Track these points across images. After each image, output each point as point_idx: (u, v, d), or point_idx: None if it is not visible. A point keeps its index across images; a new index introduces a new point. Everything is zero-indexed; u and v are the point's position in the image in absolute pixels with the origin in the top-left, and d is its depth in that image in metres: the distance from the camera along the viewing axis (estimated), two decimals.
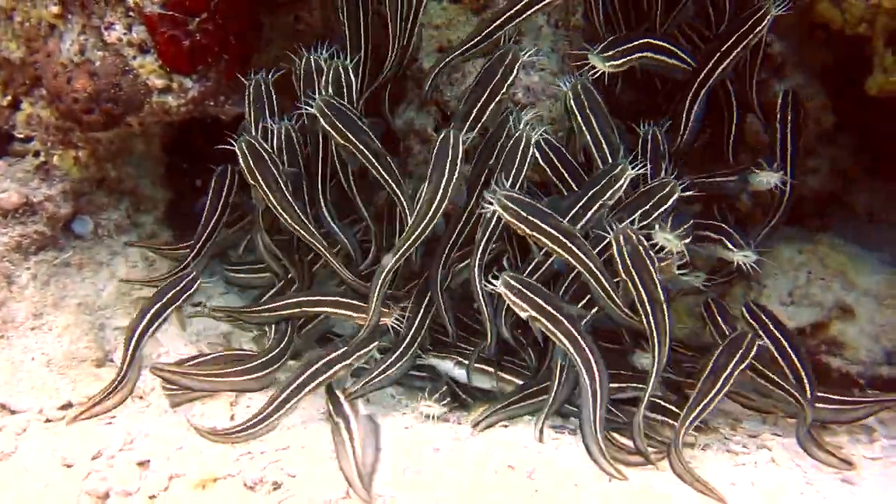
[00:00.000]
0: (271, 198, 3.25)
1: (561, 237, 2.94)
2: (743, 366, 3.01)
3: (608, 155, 3.15)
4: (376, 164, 3.23)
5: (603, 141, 3.18)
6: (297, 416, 3.09)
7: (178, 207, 4.25)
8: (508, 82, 3.10)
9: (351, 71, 3.33)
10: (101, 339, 3.57)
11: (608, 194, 3.06)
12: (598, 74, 3.12)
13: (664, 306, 2.92)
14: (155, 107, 3.31)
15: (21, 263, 3.51)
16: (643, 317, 2.92)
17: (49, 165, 3.62)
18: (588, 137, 3.17)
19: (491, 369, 3.32)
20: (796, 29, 4.09)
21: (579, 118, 3.11)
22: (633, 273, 2.93)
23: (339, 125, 3.19)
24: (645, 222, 3.05)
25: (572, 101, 3.10)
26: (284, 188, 3.27)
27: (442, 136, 3.07)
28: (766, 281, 3.87)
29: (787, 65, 4.04)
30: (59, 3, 3.20)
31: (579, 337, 2.92)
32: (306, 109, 3.24)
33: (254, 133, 3.39)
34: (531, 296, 2.93)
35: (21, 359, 3.25)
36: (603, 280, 2.98)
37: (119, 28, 3.16)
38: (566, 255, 2.95)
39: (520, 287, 2.94)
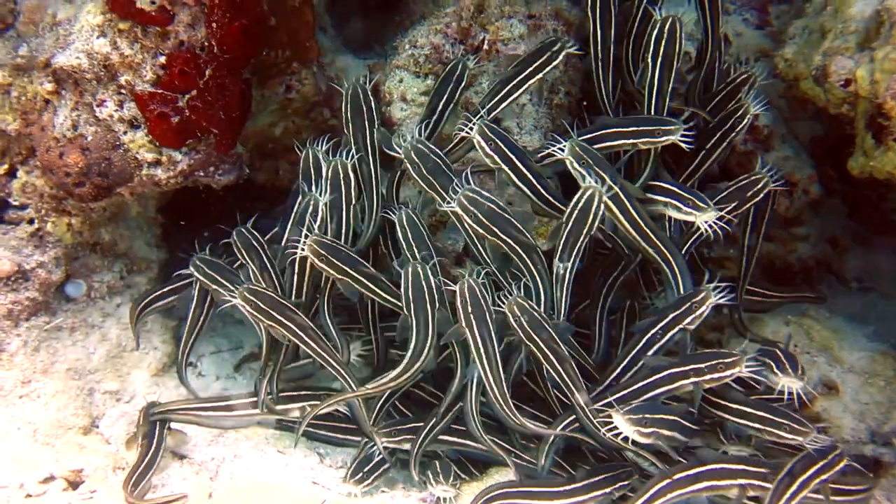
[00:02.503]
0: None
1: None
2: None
3: None
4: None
5: None
6: None
7: (173, 267, 4.30)
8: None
9: (350, 169, 3.38)
10: (90, 404, 3.61)
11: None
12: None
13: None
14: (145, 179, 3.37)
15: (11, 330, 3.56)
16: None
17: (43, 232, 3.68)
18: None
19: None
20: (783, 101, 4.15)
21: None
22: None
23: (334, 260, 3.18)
24: None
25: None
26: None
27: (411, 271, 3.08)
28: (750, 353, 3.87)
29: (773, 137, 4.08)
30: (54, 81, 3.29)
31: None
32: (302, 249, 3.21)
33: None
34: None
35: (7, 429, 3.29)
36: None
37: (111, 105, 3.24)
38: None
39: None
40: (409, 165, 3.19)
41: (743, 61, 3.82)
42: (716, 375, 3.04)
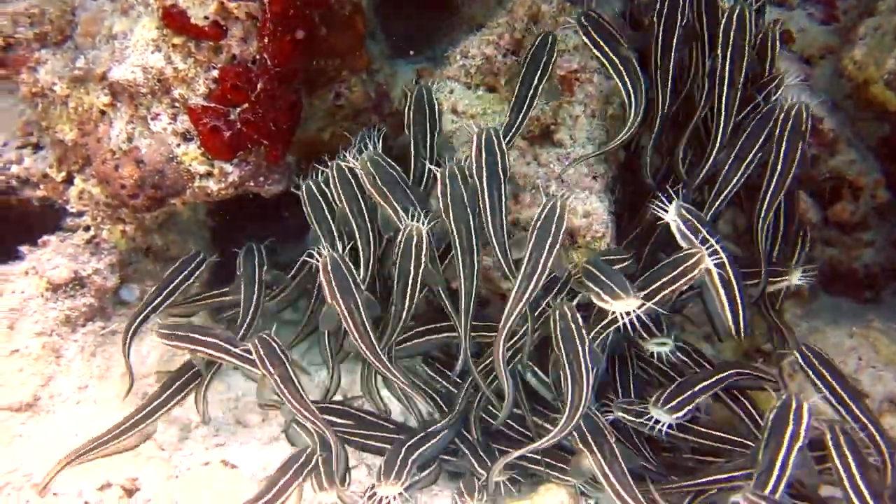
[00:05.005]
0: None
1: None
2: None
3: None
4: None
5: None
6: None
7: (224, 270, 4.34)
8: None
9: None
10: None
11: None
12: None
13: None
14: (197, 191, 3.39)
15: (69, 336, 3.63)
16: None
17: (98, 239, 3.75)
18: None
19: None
20: (849, 103, 3.98)
21: None
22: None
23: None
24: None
25: None
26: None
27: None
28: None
29: (839, 141, 3.92)
30: (110, 94, 3.32)
31: None
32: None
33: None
34: None
35: (65, 434, 3.36)
36: None
37: (164, 118, 3.26)
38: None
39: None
40: (364, 177, 3.21)
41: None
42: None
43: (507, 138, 3.16)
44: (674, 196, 3.01)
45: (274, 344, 3.08)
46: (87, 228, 3.75)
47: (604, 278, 2.90)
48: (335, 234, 3.42)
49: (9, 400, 3.40)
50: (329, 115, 3.85)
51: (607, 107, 3.32)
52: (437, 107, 3.43)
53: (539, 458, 3.23)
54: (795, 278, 3.36)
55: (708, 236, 2.96)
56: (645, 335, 3.15)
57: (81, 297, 3.69)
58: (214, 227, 4.33)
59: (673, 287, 2.96)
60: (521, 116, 3.19)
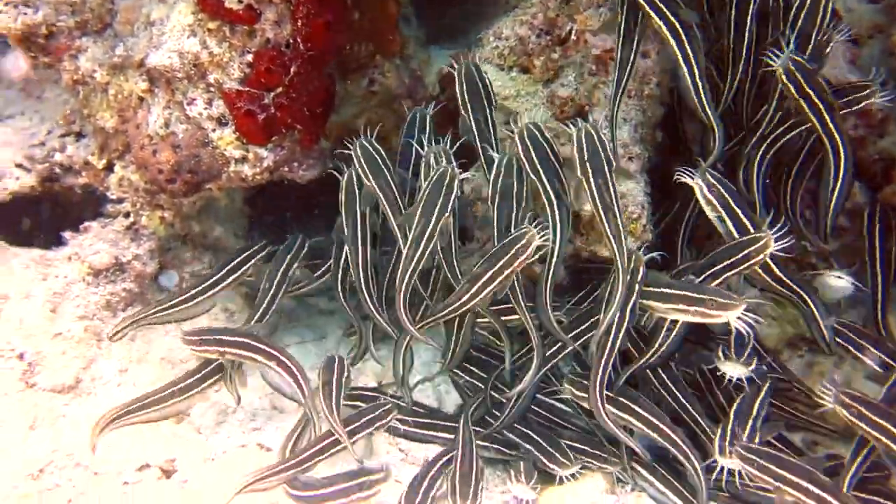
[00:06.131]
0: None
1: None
2: None
3: None
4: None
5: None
6: None
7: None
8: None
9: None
10: None
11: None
12: None
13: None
14: (232, 175, 3.42)
15: (110, 321, 3.70)
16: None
17: (138, 225, 3.82)
18: None
19: None
20: None
21: None
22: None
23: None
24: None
25: None
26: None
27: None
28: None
29: (889, 120, 3.77)
30: (148, 80, 3.38)
31: None
32: None
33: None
34: None
35: None
36: None
37: (200, 103, 3.30)
38: None
39: None
40: (356, 162, 3.25)
41: None
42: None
43: None
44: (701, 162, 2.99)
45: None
46: (127, 215, 3.83)
47: (698, 293, 2.87)
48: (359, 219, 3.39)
49: (52, 382, 3.47)
50: (363, 100, 3.85)
51: (643, 86, 3.24)
52: (488, 82, 3.31)
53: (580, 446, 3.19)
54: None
55: (733, 204, 2.94)
56: (726, 354, 3.07)
57: (122, 283, 3.77)
58: (252, 215, 4.38)
59: (736, 271, 2.94)
60: None
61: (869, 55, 4.17)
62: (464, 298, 3.05)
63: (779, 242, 2.89)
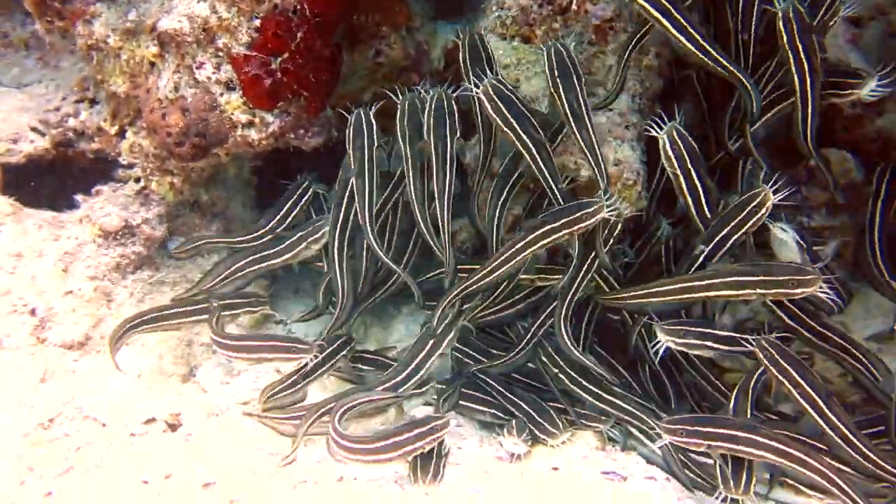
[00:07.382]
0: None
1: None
2: None
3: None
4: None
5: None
6: None
7: None
8: None
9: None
10: (188, 355, 3.82)
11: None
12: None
13: None
14: (239, 140, 3.51)
15: (119, 282, 3.81)
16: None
17: (148, 190, 3.92)
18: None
19: None
20: None
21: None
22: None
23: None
24: None
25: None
26: None
27: None
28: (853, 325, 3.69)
29: (887, 99, 3.80)
30: (158, 44, 3.46)
31: None
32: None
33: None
34: None
35: (113, 373, 3.52)
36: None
37: (209, 67, 3.38)
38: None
39: None
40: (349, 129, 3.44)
41: None
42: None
43: None
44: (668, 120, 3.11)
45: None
46: (138, 180, 3.92)
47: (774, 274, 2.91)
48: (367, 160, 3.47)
49: (62, 338, 3.58)
50: (370, 73, 3.91)
51: (643, 56, 3.30)
52: (491, 52, 3.40)
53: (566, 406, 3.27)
54: None
55: (689, 163, 3.08)
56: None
57: (131, 246, 3.86)
58: (259, 185, 4.46)
59: (743, 230, 3.04)
60: None
61: (871, 35, 4.20)
62: (519, 245, 3.09)
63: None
